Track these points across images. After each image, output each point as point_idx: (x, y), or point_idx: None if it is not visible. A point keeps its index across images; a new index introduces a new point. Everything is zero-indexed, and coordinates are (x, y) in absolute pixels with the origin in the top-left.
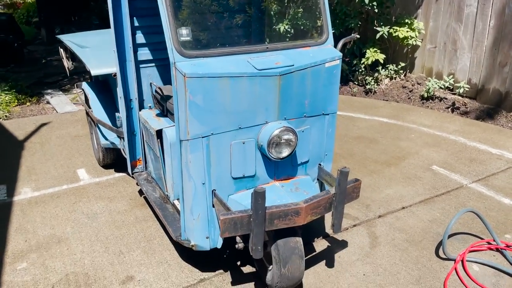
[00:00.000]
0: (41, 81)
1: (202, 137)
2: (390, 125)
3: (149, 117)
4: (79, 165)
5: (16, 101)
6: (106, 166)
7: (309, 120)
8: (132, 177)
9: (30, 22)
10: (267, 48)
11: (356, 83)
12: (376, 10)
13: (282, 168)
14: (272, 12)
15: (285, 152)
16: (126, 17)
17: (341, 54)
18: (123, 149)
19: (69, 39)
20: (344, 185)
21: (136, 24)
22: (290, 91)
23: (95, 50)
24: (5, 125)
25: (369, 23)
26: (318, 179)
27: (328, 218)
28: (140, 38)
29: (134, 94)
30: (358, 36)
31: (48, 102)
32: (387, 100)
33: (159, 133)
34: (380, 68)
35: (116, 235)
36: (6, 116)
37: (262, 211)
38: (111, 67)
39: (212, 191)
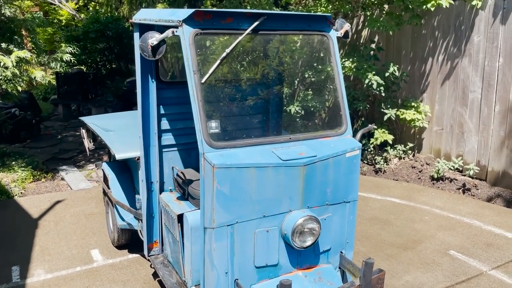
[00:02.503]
0: (56, 157)
1: (227, 225)
2: (403, 206)
3: (170, 201)
4: (93, 245)
5: (32, 177)
6: (120, 246)
7: (331, 208)
8: (148, 260)
9: (47, 99)
10: (290, 138)
11: (366, 162)
12: (383, 94)
13: (305, 256)
14: (286, 99)
15: (309, 241)
16: (153, 105)
17: (360, 144)
18: (140, 231)
19: (92, 122)
20: (369, 277)
21: (162, 111)
22: (314, 180)
23: (118, 133)
24: (20, 203)
25: (376, 105)
26: (339, 268)
27: None
28: (165, 124)
29: (155, 177)
30: (376, 127)
31: (62, 179)
32: (397, 180)
33: (180, 217)
34: (388, 148)
35: None
36: (21, 193)
37: None
38: (134, 151)
39: (235, 280)
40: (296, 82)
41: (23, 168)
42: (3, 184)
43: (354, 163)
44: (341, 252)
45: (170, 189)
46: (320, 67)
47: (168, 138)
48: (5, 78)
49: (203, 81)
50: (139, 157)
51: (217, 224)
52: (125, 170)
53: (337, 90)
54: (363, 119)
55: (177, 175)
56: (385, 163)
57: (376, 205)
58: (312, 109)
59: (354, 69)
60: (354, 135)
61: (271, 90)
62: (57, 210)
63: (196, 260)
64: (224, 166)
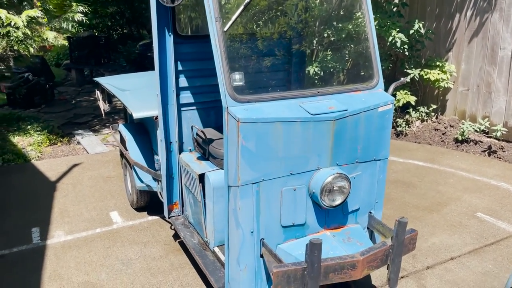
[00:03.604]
0: (71, 121)
1: (253, 183)
2: (426, 169)
3: (190, 161)
4: (112, 208)
5: (48, 141)
6: (139, 208)
7: (361, 166)
8: (168, 221)
9: (59, 64)
10: (318, 92)
11: None
12: (407, 53)
13: (333, 216)
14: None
15: (338, 200)
16: (171, 61)
17: (393, 98)
18: (160, 192)
19: (107, 82)
20: (402, 237)
21: (180, 68)
22: (344, 136)
23: (134, 93)
24: (38, 166)
25: (399, 65)
26: (368, 228)
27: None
28: (183, 81)
29: (174, 137)
30: (408, 80)
31: (78, 143)
32: (419, 143)
33: (202, 177)
34: (411, 110)
35: (152, 283)
36: (38, 156)
37: (318, 264)
38: (152, 110)
39: (261, 240)
40: (318, 37)
41: (38, 132)
42: (19, 147)
43: (387, 118)
44: (370, 212)
45: (190, 149)
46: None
47: (187, 96)
48: (17, 39)
49: (225, 29)
50: (157, 116)
51: (242, 181)
52: (142, 132)
53: (368, 39)
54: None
55: (197, 134)
56: (407, 126)
57: (398, 168)
58: (352, 71)
59: (377, 27)
60: (386, 89)
61: (296, 44)
62: (75, 173)
63: (218, 220)
64: (250, 121)
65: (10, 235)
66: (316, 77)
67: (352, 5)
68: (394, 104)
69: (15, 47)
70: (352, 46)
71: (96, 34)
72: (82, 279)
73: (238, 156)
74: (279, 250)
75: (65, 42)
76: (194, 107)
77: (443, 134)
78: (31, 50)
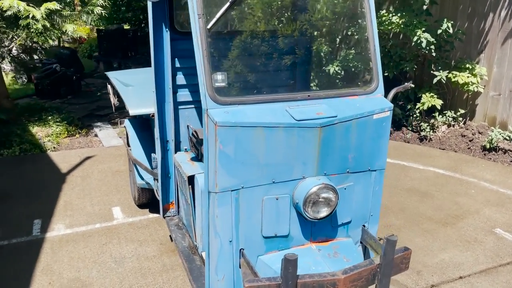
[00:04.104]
0: (93, 113)
1: (231, 191)
2: (447, 178)
3: (183, 161)
4: (115, 203)
5: (66, 132)
6: (141, 205)
7: (353, 177)
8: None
9: (92, 56)
10: (309, 96)
11: (410, 128)
12: (434, 54)
13: (320, 228)
14: (322, 54)
15: (323, 212)
16: (168, 58)
17: (391, 105)
18: (156, 191)
19: (115, 76)
20: (391, 256)
21: (177, 65)
22: (332, 144)
23: (137, 89)
24: (52, 157)
25: (426, 66)
26: (361, 242)
27: None
28: (181, 79)
29: (171, 136)
30: (413, 85)
31: (96, 135)
32: (443, 149)
33: (191, 179)
34: (436, 114)
35: (140, 284)
36: (54, 147)
37: (293, 281)
38: (150, 108)
39: (240, 250)
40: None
41: (58, 123)
42: (36, 138)
43: (383, 126)
44: (364, 226)
45: (186, 149)
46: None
47: (184, 94)
48: (36, 31)
49: (209, 26)
50: (154, 113)
51: (220, 188)
52: (146, 128)
53: (368, 40)
54: (411, 82)
55: (192, 134)
56: (432, 131)
57: (416, 175)
58: (347, 74)
59: (402, 25)
60: (386, 95)
61: (290, 43)
62: (86, 166)
63: (204, 226)
64: (228, 125)
65: (12, 226)
66: (334, 82)
67: (354, 1)
68: (418, 108)
69: (35, 39)
70: (353, 47)
71: (126, 27)
72: (73, 275)
73: (215, 162)
74: (259, 261)
75: (84, 35)
76: (192, 106)
77: (470, 141)
78: (50, 42)
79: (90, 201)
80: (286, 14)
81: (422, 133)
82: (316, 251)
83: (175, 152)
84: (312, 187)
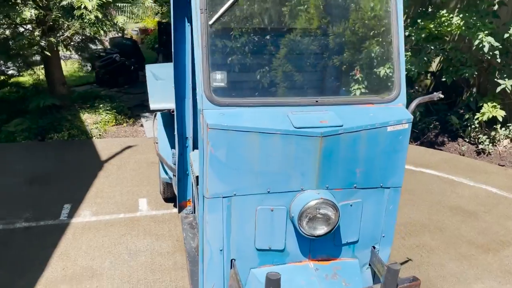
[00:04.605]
0: (143, 103)
1: (223, 197)
2: (500, 198)
3: (195, 160)
4: (144, 194)
5: (115, 121)
6: (167, 199)
7: (361, 193)
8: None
9: (154, 48)
10: (317, 101)
11: (467, 140)
12: (499, 60)
13: (320, 246)
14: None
15: (321, 230)
16: (188, 52)
17: (411, 117)
18: (175, 187)
19: (151, 69)
20: (392, 286)
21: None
22: (336, 156)
23: (167, 82)
24: (95, 144)
25: (490, 73)
26: (370, 265)
27: None
28: None
29: (189, 132)
30: (442, 96)
31: (142, 125)
32: (502, 165)
33: (198, 180)
34: (498, 126)
35: (148, 280)
36: (99, 135)
37: None
38: (171, 103)
39: (231, 260)
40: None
41: (108, 111)
42: (85, 124)
43: (400, 140)
44: (374, 247)
45: None
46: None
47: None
48: (89, 22)
49: (211, 22)
50: (174, 109)
51: (211, 194)
52: (172, 123)
53: (392, 42)
54: (473, 90)
55: None
56: (491, 144)
57: (465, 193)
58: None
59: (462, 27)
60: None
61: (303, 42)
62: (125, 155)
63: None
64: (220, 128)
65: (43, 209)
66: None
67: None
68: (478, 119)
69: (87, 30)
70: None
71: None
72: (86, 263)
73: (206, 165)
74: (251, 274)
75: (151, 26)
76: None
77: None
78: (102, 32)
79: (120, 190)
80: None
81: (480, 146)
82: (313, 270)
83: (193, 150)
84: (309, 201)
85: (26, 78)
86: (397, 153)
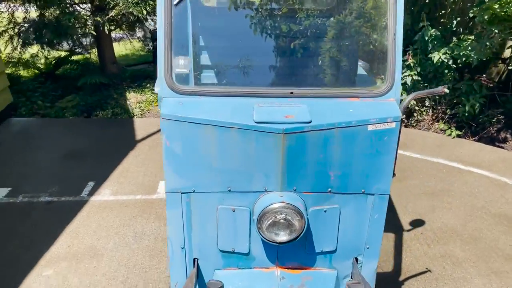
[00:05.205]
0: None
1: (182, 193)
2: None
3: None
4: None
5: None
6: None
7: (338, 198)
8: None
9: None
10: (291, 93)
11: None
12: None
13: (289, 253)
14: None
15: (283, 236)
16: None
17: (399, 114)
18: None
19: None
20: None
21: (202, 43)
22: (303, 156)
23: None
24: (134, 123)
25: None
26: (351, 277)
27: None
28: (205, 60)
29: None
30: (447, 91)
31: None
32: None
33: None
34: None
35: (144, 266)
36: (141, 114)
37: None
38: None
39: (194, 259)
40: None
41: (153, 91)
42: (127, 104)
43: (385, 141)
44: (356, 259)
45: None
46: None
47: (209, 76)
48: (132, 1)
49: (175, 3)
50: None
51: (169, 188)
52: None
53: (387, 28)
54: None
55: None
56: None
57: None
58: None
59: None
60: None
61: (282, 24)
62: (157, 136)
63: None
64: (174, 118)
65: (68, 185)
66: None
67: None
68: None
69: (131, 9)
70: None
71: None
72: (92, 243)
73: (163, 158)
74: (216, 276)
75: None
76: None
77: None
78: (144, 12)
79: (144, 171)
80: None
81: None
82: (278, 279)
83: None
84: (269, 204)
85: (84, 56)
86: (382, 156)
